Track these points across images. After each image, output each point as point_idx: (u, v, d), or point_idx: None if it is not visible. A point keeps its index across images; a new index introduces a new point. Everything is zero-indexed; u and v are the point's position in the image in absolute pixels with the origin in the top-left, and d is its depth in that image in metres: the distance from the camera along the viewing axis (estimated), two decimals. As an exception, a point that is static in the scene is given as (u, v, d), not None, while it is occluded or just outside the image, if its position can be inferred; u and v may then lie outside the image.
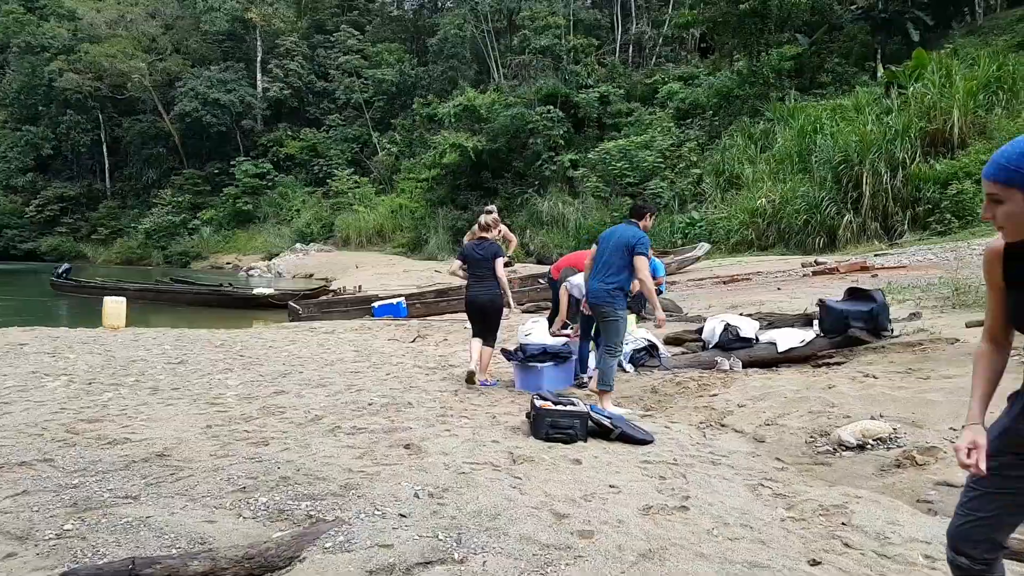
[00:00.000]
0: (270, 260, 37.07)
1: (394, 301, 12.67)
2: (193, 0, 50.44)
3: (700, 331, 7.00)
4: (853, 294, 6.54)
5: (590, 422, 4.40)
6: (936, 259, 13.00)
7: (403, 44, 45.64)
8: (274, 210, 44.12)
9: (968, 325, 6.17)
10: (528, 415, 4.55)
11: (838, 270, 12.00)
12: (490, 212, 9.28)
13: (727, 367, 6.22)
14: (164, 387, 6.02)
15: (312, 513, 2.93)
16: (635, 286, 11.13)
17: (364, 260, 30.70)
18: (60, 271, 19.91)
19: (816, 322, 6.50)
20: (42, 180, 50.86)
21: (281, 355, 8.11)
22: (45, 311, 16.87)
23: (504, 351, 6.38)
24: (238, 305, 16.32)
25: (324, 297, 15.28)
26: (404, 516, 2.90)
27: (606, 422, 4.39)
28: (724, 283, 13.19)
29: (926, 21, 24.53)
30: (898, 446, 3.80)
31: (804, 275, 12.54)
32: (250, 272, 35.21)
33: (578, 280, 6.29)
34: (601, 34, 35.97)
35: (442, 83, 39.93)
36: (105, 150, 51.16)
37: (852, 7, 26.82)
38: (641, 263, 5.38)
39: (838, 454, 3.90)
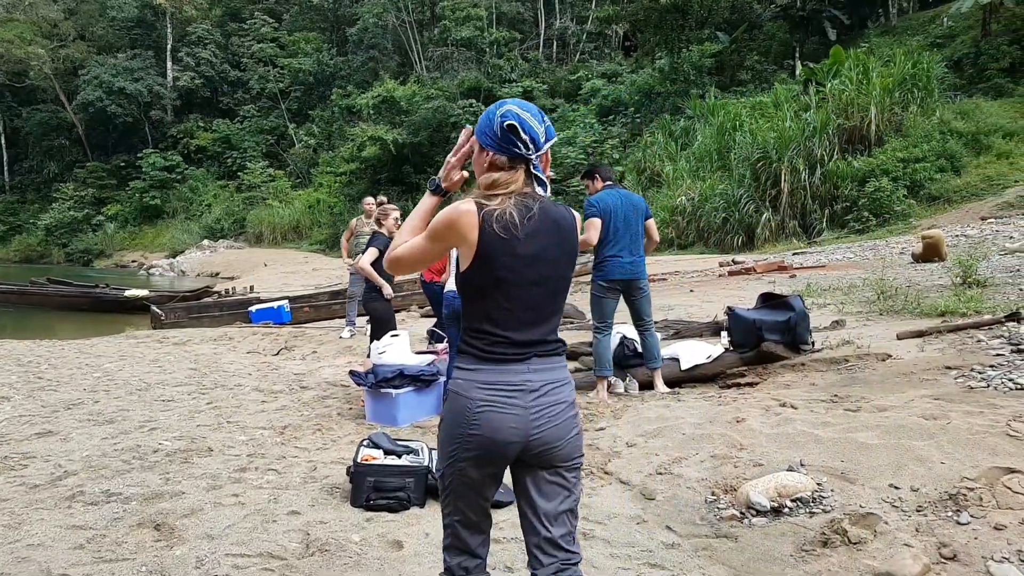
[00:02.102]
0: (174, 258, 35.08)
1: (275, 305, 11.33)
2: (99, -16, 47.53)
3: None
4: (768, 300, 5.67)
5: (434, 476, 3.35)
6: (856, 257, 12.51)
7: (322, 34, 43.92)
8: (184, 205, 42.11)
9: (900, 337, 5.38)
10: (348, 471, 3.45)
11: (755, 270, 11.34)
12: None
13: (621, 389, 5.27)
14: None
15: None
16: None
17: (275, 257, 29.17)
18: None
19: (724, 333, 5.60)
20: (-66, 172, 47.30)
21: (92, 375, 6.76)
22: None
23: (352, 373, 5.18)
24: (110, 309, 14.63)
25: (197, 301, 13.74)
26: None
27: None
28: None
29: (843, 20, 24.64)
30: (823, 510, 2.88)
31: (720, 275, 11.82)
32: (151, 271, 33.41)
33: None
34: (524, 28, 35.24)
35: (363, 74, 38.63)
36: (3, 141, 47.99)
37: (771, 5, 26.79)
38: (651, 226, 5.28)
39: (747, 521, 2.95)
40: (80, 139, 47.06)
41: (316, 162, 38.24)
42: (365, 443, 3.66)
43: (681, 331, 6.64)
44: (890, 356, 4.92)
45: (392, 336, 5.30)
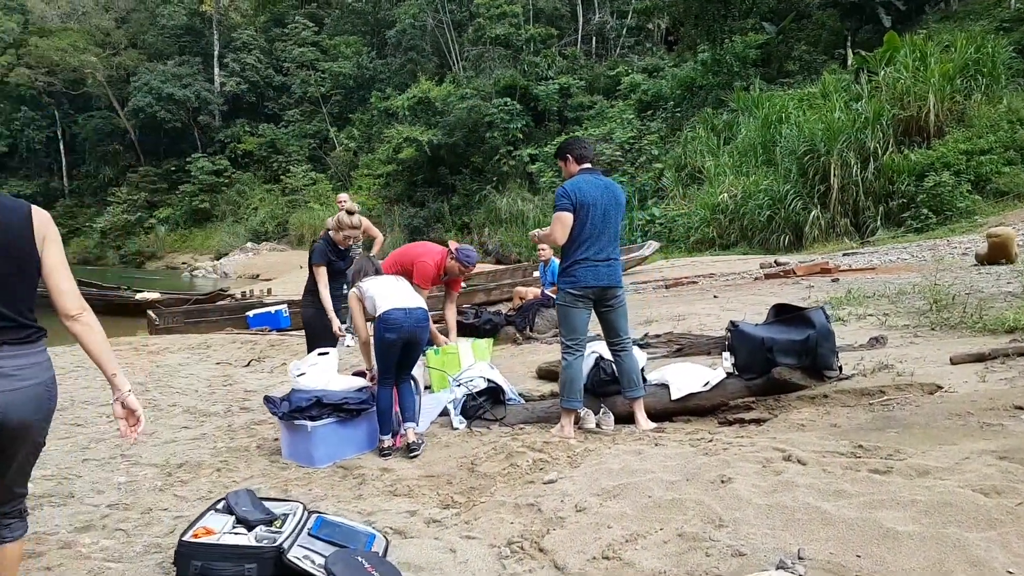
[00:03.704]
0: (218, 260, 35.45)
1: (273, 310, 10.69)
2: (148, -8, 48.46)
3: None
4: (783, 313, 4.61)
5: (289, 560, 2.48)
6: (911, 259, 11.22)
7: (362, 37, 43.75)
8: (231, 208, 42.59)
9: (954, 361, 4.29)
10: (176, 550, 2.60)
11: (794, 272, 10.17)
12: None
13: (592, 424, 4.31)
14: None
15: None
16: (524, 292, 9.19)
17: (312, 259, 28.93)
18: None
19: (727, 354, 4.57)
20: (-1, 178, 48.77)
21: None
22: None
23: (266, 399, 4.34)
24: (124, 312, 14.21)
25: (212, 304, 13.20)
26: None
27: (308, 566, 2.47)
28: (667, 287, 11.29)
29: (898, 6, 23.00)
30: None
31: (757, 278, 10.68)
32: (195, 272, 34.01)
33: (378, 287, 4.39)
34: (562, 24, 34.19)
35: (401, 76, 38.28)
36: (62, 147, 49.26)
37: (821, -7, 25.34)
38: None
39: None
40: (133, 144, 48.02)
41: (356, 164, 38.11)
42: (217, 507, 2.82)
43: (685, 348, 5.62)
44: (940, 388, 3.87)
45: (319, 354, 4.45)
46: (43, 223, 2.14)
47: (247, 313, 10.79)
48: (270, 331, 10.22)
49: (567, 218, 4.17)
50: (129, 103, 45.09)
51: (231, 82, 45.31)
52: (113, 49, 48.26)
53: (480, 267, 18.23)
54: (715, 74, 24.73)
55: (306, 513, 2.87)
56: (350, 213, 5.42)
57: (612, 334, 4.36)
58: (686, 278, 11.98)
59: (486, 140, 28.87)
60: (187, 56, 47.17)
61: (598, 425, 4.34)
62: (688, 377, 4.45)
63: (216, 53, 46.80)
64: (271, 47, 46.70)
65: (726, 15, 25.18)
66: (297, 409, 4.01)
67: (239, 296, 14.81)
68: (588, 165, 4.41)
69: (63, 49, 44.80)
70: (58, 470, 3.93)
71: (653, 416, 4.34)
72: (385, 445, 4.28)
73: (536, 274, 11.32)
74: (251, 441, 4.53)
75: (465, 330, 7.68)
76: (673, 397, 4.41)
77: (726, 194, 18.50)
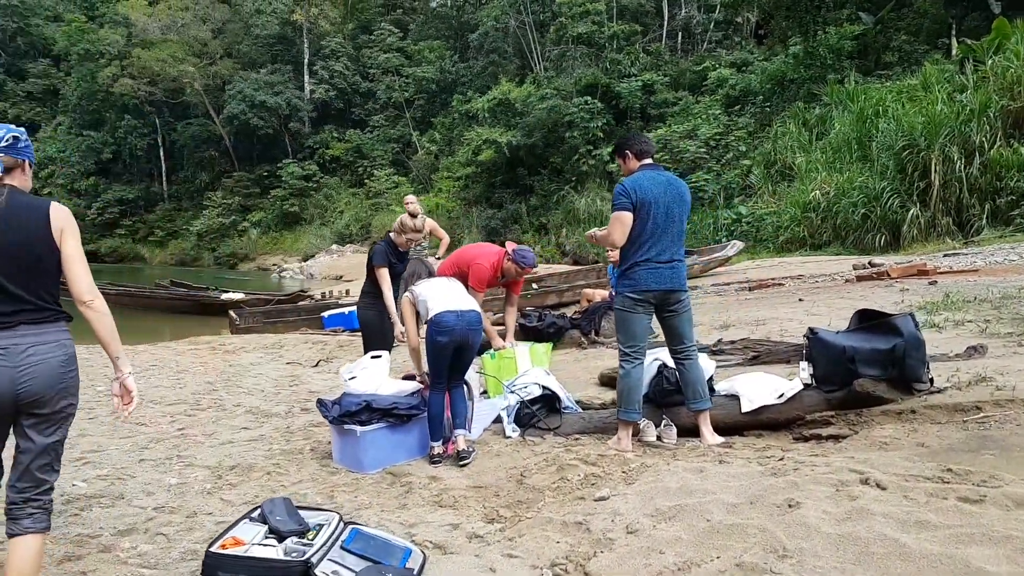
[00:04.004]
0: (305, 261, 36.52)
1: (346, 311, 10.80)
2: (242, 3, 50.38)
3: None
4: (866, 320, 4.22)
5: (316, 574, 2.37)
6: (1019, 260, 10.36)
7: (445, 41, 44.30)
8: (319, 211, 43.86)
9: (1061, 374, 3.84)
10: (203, 560, 2.53)
11: (889, 274, 9.51)
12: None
13: (652, 437, 4.05)
14: None
15: None
16: (592, 295, 8.81)
17: (392, 261, 29.51)
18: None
19: (804, 364, 4.15)
20: (103, 184, 52.14)
21: (95, 388, 6.22)
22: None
23: (319, 403, 4.25)
24: (209, 311, 14.73)
25: (293, 304, 13.50)
26: None
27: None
28: (750, 289, 10.78)
29: (1009, -9, 21.41)
30: None
31: (848, 280, 10.07)
32: (283, 274, 35.15)
33: (430, 290, 4.25)
34: (646, 21, 33.65)
35: (483, 79, 38.57)
36: (162, 153, 51.96)
37: (924, -21, 23.95)
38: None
39: None
40: (228, 151, 50.04)
41: (437, 167, 38.60)
42: (252, 515, 2.74)
43: (762, 356, 5.26)
44: (1046, 404, 3.44)
45: (372, 357, 4.36)
46: (60, 218, 2.40)
47: (323, 314, 10.95)
48: (343, 331, 10.34)
49: (626, 218, 3.93)
50: (224, 111, 47.09)
51: (320, 89, 46.68)
52: (210, 59, 50.44)
53: (555, 268, 17.95)
54: (807, 67, 23.78)
55: (341, 524, 2.76)
56: (413, 216, 5.35)
57: (676, 341, 4.08)
58: (772, 280, 11.45)
59: (565, 140, 28.66)
60: (279, 64, 48.88)
61: (659, 438, 4.07)
62: (760, 388, 4.11)
63: (306, 61, 48.29)
64: (358, 54, 47.88)
65: (820, 6, 24.16)
66: (347, 414, 3.93)
67: (318, 297, 15.10)
68: (649, 161, 4.14)
69: (163, 60, 47.20)
70: (114, 470, 4.00)
71: (721, 430, 4.05)
72: (435, 452, 4.15)
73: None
74: (306, 443, 4.51)
75: (529, 333, 7.50)
76: (744, 410, 4.07)
77: (818, 191, 17.73)
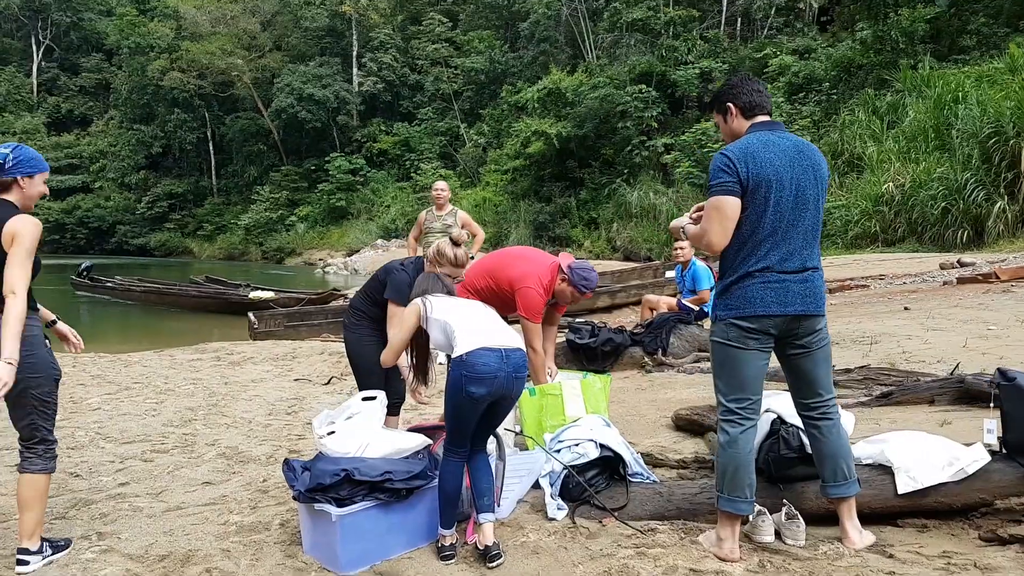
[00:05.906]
0: (349, 256, 36.23)
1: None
2: (291, -5, 50.38)
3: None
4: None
5: None
6: None
7: (495, 31, 43.39)
8: (366, 206, 43.58)
9: None
10: None
11: (996, 276, 8.18)
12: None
13: (768, 534, 2.77)
14: None
15: None
16: (656, 302, 7.25)
17: (436, 257, 28.89)
18: (81, 269, 18.66)
19: (989, 422, 2.88)
20: (153, 177, 53.03)
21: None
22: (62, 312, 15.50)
23: (286, 464, 3.04)
24: (237, 310, 14.00)
25: (324, 304, 12.71)
26: None
27: None
28: (830, 291, 9.36)
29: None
30: None
31: (945, 282, 8.74)
32: (327, 269, 34.91)
33: (458, 313, 3.00)
34: (704, 6, 32.19)
35: (533, 69, 37.68)
36: (211, 147, 52.46)
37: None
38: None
39: None
40: (276, 144, 50.18)
41: (484, 160, 37.85)
42: None
43: (895, 393, 3.94)
44: None
45: (364, 400, 3.19)
46: (12, 227, 2.78)
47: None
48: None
49: (730, 205, 2.61)
50: (272, 104, 47.16)
51: (368, 81, 46.37)
52: (259, 52, 50.62)
53: (606, 265, 16.44)
54: (877, 52, 22.49)
55: None
56: (456, 244, 3.76)
57: (807, 392, 2.79)
58: (851, 280, 10.18)
59: (618, 130, 27.69)
60: (327, 57, 48.75)
61: (778, 535, 2.82)
62: (925, 456, 2.85)
63: (355, 53, 48.01)
64: (407, 45, 47.42)
65: (889, -12, 22.61)
66: (319, 487, 2.75)
67: (350, 296, 14.30)
68: (765, 117, 2.77)
69: (212, 52, 47.51)
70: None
71: (864, 516, 2.81)
72: (447, 543, 2.96)
73: (670, 275, 9.00)
74: (277, 513, 3.38)
75: (578, 353, 6.13)
76: (900, 489, 2.81)
77: (891, 183, 16.62)
